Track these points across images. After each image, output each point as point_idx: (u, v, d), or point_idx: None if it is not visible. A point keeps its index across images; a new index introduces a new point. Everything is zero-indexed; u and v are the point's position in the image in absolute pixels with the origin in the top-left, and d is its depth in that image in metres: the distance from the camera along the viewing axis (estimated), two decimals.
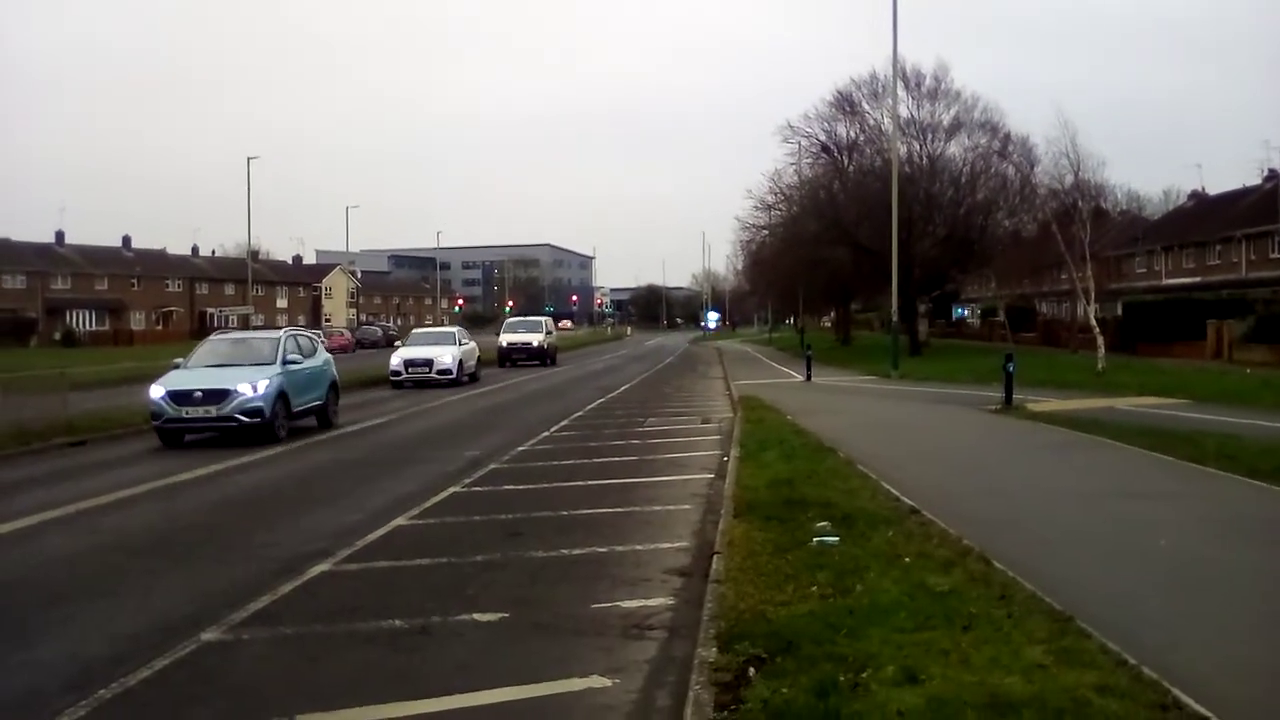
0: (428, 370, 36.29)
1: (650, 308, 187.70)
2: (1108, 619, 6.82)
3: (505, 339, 51.21)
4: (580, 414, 25.24)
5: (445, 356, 36.72)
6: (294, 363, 21.27)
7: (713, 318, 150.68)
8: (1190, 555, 9.22)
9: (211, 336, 24.30)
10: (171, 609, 8.30)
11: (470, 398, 31.32)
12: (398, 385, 35.83)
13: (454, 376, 36.28)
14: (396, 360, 37.12)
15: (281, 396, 20.16)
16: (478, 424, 23.76)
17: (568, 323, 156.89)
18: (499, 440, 19.61)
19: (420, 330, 47.96)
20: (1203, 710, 5.27)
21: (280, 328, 40.53)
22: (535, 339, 50.96)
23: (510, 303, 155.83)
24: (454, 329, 41.89)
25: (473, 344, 40.74)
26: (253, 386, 19.70)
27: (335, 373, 23.99)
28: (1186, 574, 8.57)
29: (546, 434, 20.66)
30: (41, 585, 9.39)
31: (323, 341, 24.34)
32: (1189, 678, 5.71)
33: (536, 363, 50.09)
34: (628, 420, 23.31)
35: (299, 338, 23.43)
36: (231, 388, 19.61)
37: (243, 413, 19.42)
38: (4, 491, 14.76)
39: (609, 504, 12.66)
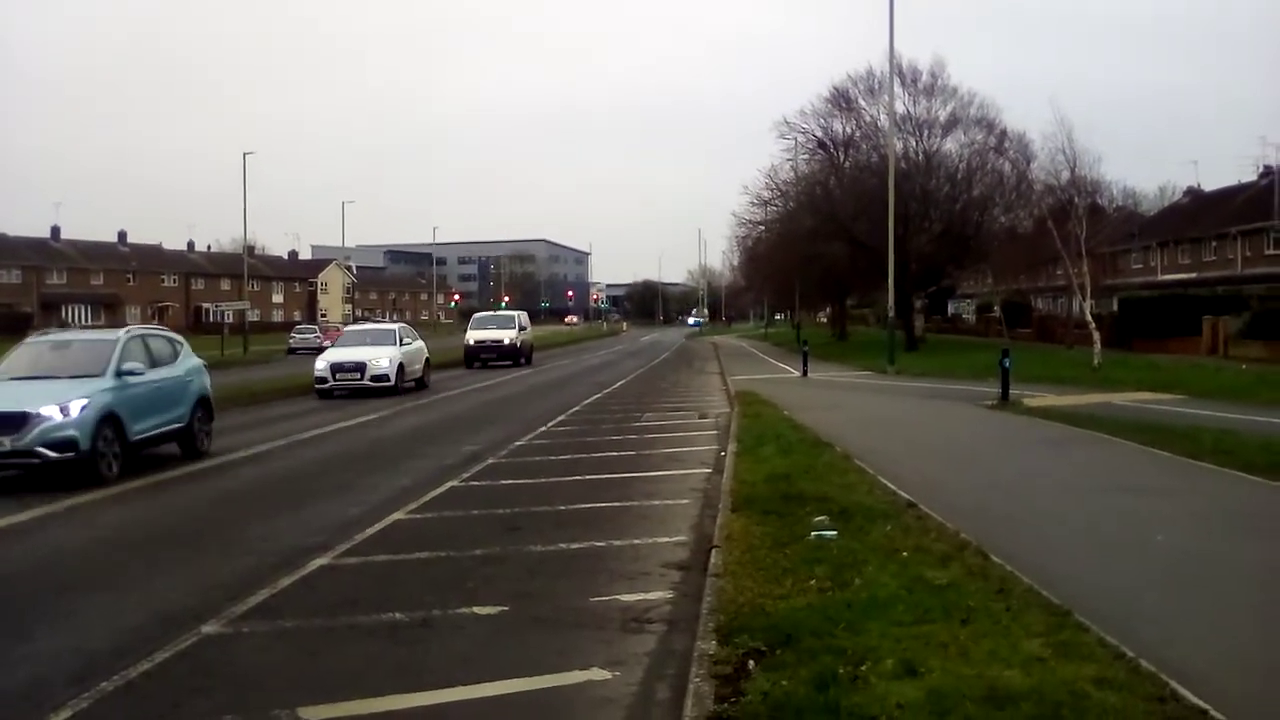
0: (359, 377, 30.52)
1: (646, 303, 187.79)
2: (1105, 612, 6.85)
3: (472, 336, 46.71)
4: (578, 409, 25.26)
5: (381, 360, 30.94)
6: (134, 373, 15.79)
7: (699, 314, 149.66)
8: (1187, 549, 9.26)
9: (28, 339, 18.26)
10: (174, 601, 8.31)
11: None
12: (325, 395, 30.26)
13: (392, 384, 30.59)
14: (322, 364, 31.28)
15: (109, 420, 14.86)
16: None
17: (574, 318, 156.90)
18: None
19: (354, 328, 41.55)
20: (1200, 703, 5.30)
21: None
22: (506, 336, 46.44)
23: (506, 298, 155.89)
24: (396, 326, 36.40)
25: (419, 344, 35.09)
26: (62, 408, 14.29)
27: (208, 385, 18.54)
28: (1183, 568, 8.60)
29: (544, 428, 20.68)
30: (43, 579, 9.43)
31: (182, 344, 18.68)
32: (1187, 671, 5.75)
33: (508, 363, 45.78)
34: (625, 416, 23.31)
35: (149, 339, 17.55)
36: (32, 410, 14.11)
37: (48, 445, 14.00)
38: (1, 487, 14.72)
39: (607, 498, 12.68)
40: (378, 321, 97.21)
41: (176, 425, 17.02)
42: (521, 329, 48.07)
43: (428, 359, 35.01)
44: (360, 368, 30.80)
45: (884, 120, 52.32)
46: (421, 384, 33.39)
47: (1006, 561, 8.19)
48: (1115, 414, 20.06)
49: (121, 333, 17.09)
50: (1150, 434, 16.57)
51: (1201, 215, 64.31)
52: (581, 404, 26.62)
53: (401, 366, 31.55)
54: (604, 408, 25.74)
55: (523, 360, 47.06)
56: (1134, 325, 48.97)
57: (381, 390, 30.27)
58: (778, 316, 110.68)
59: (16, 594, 8.95)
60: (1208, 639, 6.63)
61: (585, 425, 21.49)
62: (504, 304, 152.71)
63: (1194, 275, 59.25)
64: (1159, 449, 15.33)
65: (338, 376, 30.62)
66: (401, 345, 32.70)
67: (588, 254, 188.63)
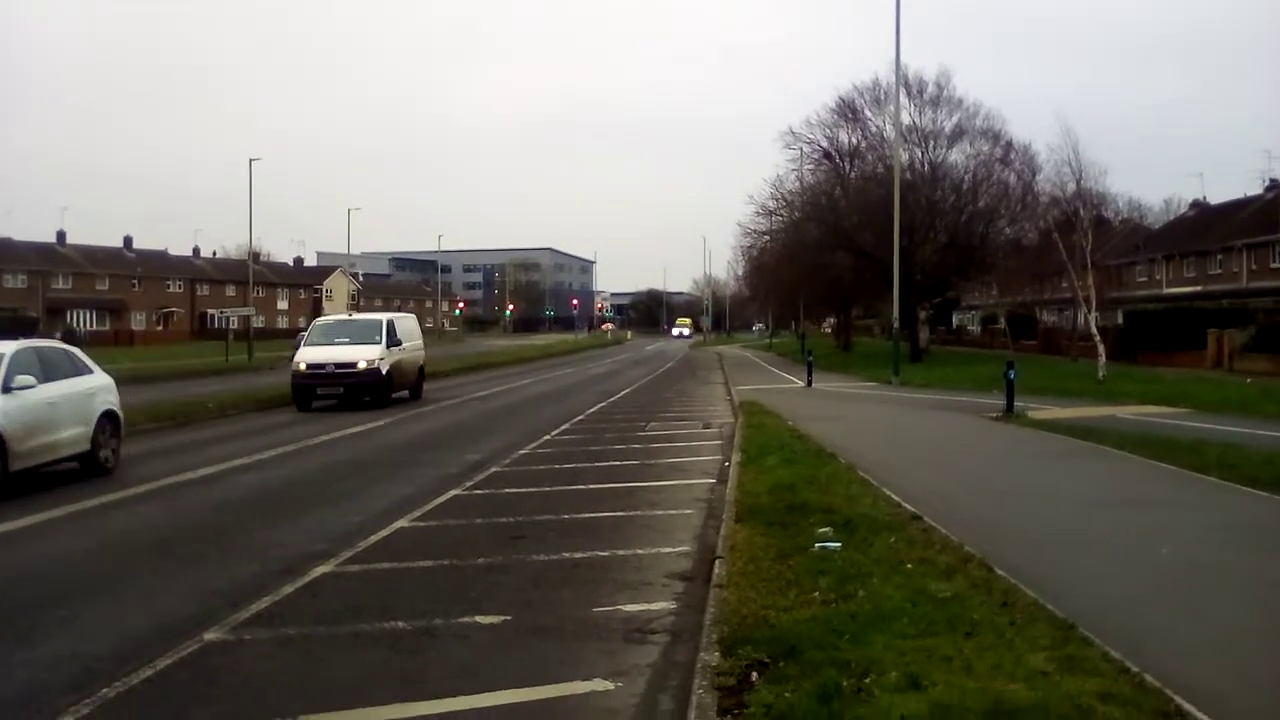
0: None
1: (650, 312, 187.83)
2: (1110, 626, 6.82)
3: (306, 357, 27.99)
4: (581, 418, 25.25)
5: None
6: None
7: (682, 323, 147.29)
8: (1192, 563, 9.22)
9: None
10: (175, 608, 8.30)
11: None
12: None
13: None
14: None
15: None
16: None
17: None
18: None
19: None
20: (1206, 718, 5.27)
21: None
22: (364, 356, 27.57)
23: (511, 306, 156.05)
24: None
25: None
26: None
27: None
28: (1189, 582, 8.57)
29: (548, 437, 20.67)
30: (44, 584, 9.39)
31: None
32: (1192, 686, 5.72)
33: (366, 398, 27.59)
34: (628, 425, 23.30)
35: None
36: None
37: None
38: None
39: (611, 508, 12.67)
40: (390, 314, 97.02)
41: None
42: (394, 344, 29.13)
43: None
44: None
45: (889, 131, 52.42)
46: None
47: (1011, 574, 8.16)
48: (1120, 427, 20.03)
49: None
50: (1155, 447, 16.53)
51: (1207, 228, 64.23)
52: (585, 413, 26.62)
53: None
54: (608, 417, 25.72)
55: (414, 394, 30.91)
56: (1139, 338, 48.93)
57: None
58: (779, 331, 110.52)
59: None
60: (1213, 653, 6.60)
61: (589, 434, 21.47)
62: (510, 312, 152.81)
63: (1199, 288, 59.17)
64: (1164, 462, 15.30)
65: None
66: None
67: (593, 263, 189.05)
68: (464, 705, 6.11)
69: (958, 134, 54.51)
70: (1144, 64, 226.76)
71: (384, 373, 26.39)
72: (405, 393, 29.96)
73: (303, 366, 27.75)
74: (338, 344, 27.18)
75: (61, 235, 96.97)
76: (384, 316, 30.20)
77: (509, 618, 7.87)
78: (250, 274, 79.74)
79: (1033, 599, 7.44)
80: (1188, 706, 5.41)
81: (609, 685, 6.43)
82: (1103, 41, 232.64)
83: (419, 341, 31.59)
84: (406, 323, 31.43)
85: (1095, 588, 8.22)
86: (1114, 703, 5.36)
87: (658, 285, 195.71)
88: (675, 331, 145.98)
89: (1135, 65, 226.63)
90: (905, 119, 51.13)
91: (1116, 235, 63.71)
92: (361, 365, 26.06)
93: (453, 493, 13.90)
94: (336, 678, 6.69)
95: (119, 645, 7.33)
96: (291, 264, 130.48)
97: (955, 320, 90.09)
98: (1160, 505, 12.22)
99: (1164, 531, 10.52)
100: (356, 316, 32.57)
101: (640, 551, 10.22)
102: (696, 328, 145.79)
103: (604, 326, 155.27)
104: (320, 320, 32.41)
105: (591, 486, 14.43)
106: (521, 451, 18.41)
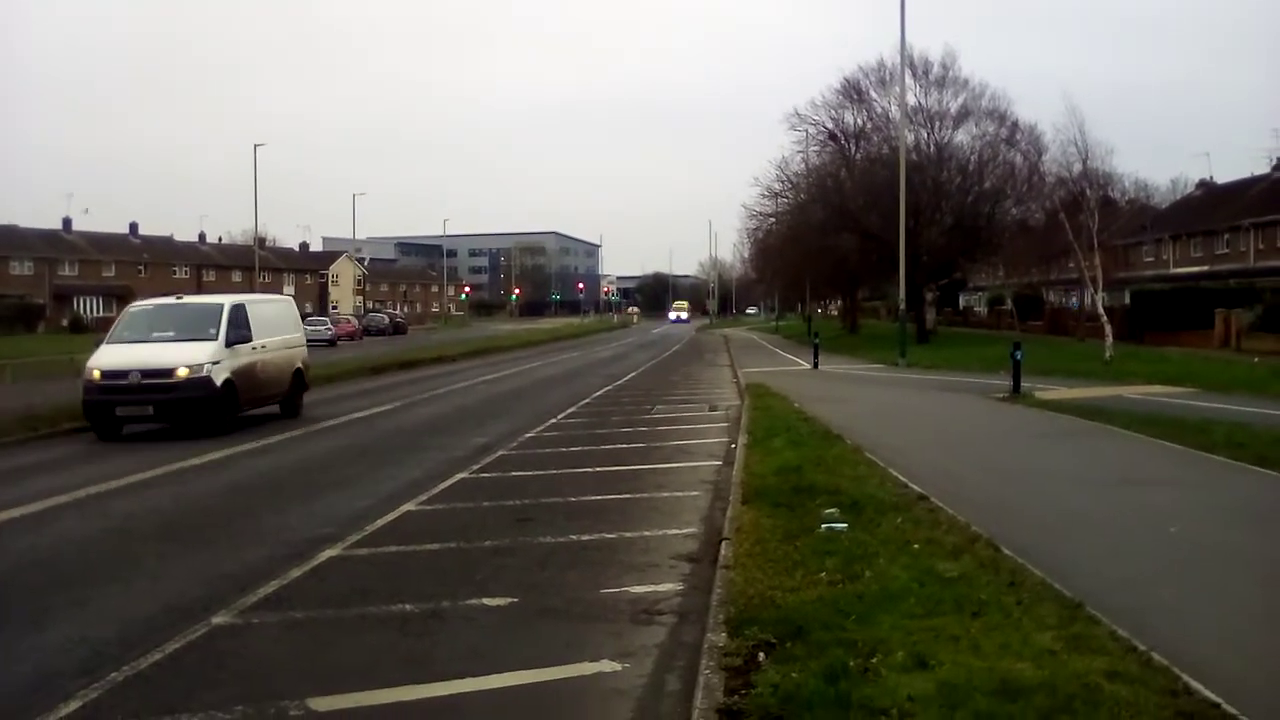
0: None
1: (657, 296, 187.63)
2: (1117, 605, 6.82)
3: (103, 359, 19.05)
4: (587, 401, 25.26)
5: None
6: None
7: (679, 306, 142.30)
8: (1200, 542, 9.22)
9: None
10: (182, 592, 8.32)
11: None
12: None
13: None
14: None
15: None
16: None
17: (634, 309, 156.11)
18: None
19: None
20: (1213, 696, 5.27)
21: None
22: (185, 360, 18.72)
23: (517, 290, 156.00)
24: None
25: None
26: None
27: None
28: (1196, 561, 8.57)
29: (554, 421, 20.68)
30: (52, 569, 9.41)
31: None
32: (1199, 664, 5.72)
33: (190, 420, 18.76)
34: (635, 408, 23.30)
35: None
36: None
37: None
38: (14, 477, 14.79)
39: (617, 490, 12.68)
40: (390, 313, 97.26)
41: None
42: (240, 339, 19.95)
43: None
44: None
45: (895, 112, 52.31)
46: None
47: (1018, 554, 8.16)
48: (1127, 407, 20.00)
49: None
50: (1162, 427, 16.51)
51: (1214, 208, 63.94)
52: (592, 396, 26.62)
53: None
54: (614, 400, 25.72)
55: (276, 409, 21.93)
56: (1146, 318, 48.76)
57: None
58: (784, 312, 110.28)
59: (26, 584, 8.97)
60: (1220, 632, 6.60)
61: (595, 417, 21.47)
62: (515, 296, 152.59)
63: (1206, 268, 58.93)
64: (1171, 442, 15.28)
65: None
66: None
67: (598, 246, 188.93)
68: (472, 687, 6.12)
69: (963, 115, 54.47)
70: (1150, 43, 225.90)
71: (217, 384, 18.39)
72: (274, 407, 21.74)
73: (97, 374, 18.69)
74: (154, 341, 19.16)
75: (68, 222, 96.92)
76: (229, 299, 20.69)
77: (516, 600, 7.88)
78: (256, 259, 79.99)
79: (1040, 578, 7.43)
80: (1195, 684, 5.41)
81: (616, 666, 6.44)
82: (1108, 20, 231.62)
83: (293, 336, 22.88)
84: (268, 309, 22.31)
85: (1102, 567, 8.21)
86: (1121, 681, 5.36)
87: (664, 269, 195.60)
88: (672, 315, 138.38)
89: (1141, 44, 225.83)
90: (911, 100, 50.99)
91: (1123, 215, 63.46)
92: (181, 373, 18.08)
93: (460, 476, 13.91)
94: (344, 660, 6.71)
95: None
96: (297, 249, 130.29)
97: (962, 301, 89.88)
98: (1168, 485, 12.20)
99: (1172, 511, 10.51)
100: (188, 300, 22.39)
101: (647, 533, 10.23)
102: (701, 310, 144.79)
103: (629, 310, 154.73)
104: (135, 306, 22.15)
105: (598, 469, 14.44)
106: (528, 435, 18.42)
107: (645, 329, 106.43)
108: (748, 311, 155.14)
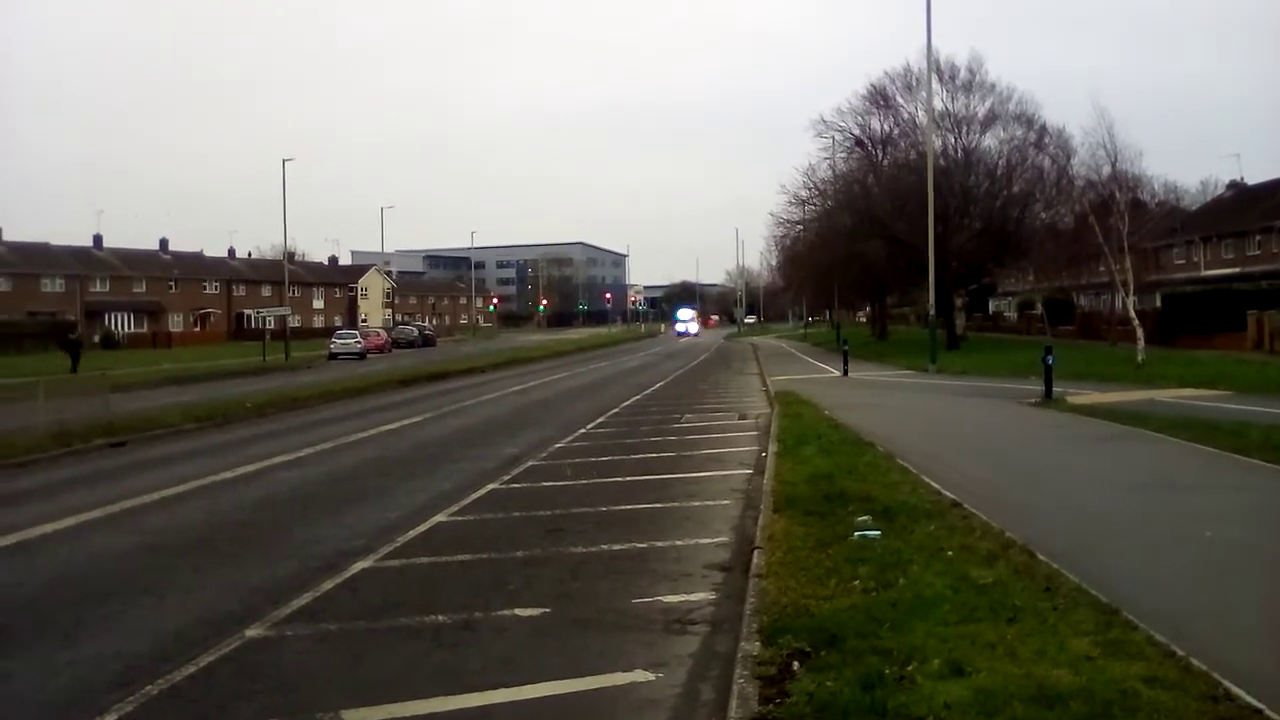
0: None
1: (684, 304, 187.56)
2: (1154, 610, 6.75)
3: None
4: (616, 410, 25.26)
5: None
6: None
7: (685, 316, 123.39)
8: (1236, 546, 9.12)
9: None
10: (216, 605, 8.36)
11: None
12: None
13: None
14: None
15: None
16: None
17: (712, 320, 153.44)
18: None
19: None
20: (1255, 702, 5.20)
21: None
22: None
23: (544, 301, 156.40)
24: None
25: None
26: None
27: None
28: (1233, 565, 8.47)
29: (583, 430, 20.69)
30: (86, 583, 9.47)
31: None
32: (1239, 669, 5.65)
33: None
34: (664, 417, 23.28)
35: None
36: None
37: None
38: (48, 492, 14.91)
39: (648, 500, 12.66)
40: (419, 326, 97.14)
41: None
42: None
43: None
44: None
45: (922, 117, 52.15)
46: None
47: (1052, 559, 8.09)
48: (1160, 410, 19.83)
49: None
50: (1196, 430, 16.35)
51: (1245, 209, 63.39)
52: (620, 406, 26.63)
53: None
54: (643, 409, 25.72)
55: None
56: (1178, 321, 48.35)
57: None
58: (812, 319, 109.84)
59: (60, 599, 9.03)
60: (1260, 637, 6.53)
61: (625, 427, 21.47)
62: (543, 307, 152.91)
63: (1238, 270, 58.39)
64: (1205, 445, 15.13)
65: None
66: None
67: (625, 256, 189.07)
68: (505, 698, 6.12)
69: (991, 119, 54.16)
70: (1179, 44, 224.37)
71: None
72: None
73: None
74: None
75: (98, 239, 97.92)
76: None
77: (548, 610, 7.88)
78: (285, 274, 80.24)
79: (1075, 584, 7.37)
80: (1236, 689, 5.34)
81: (650, 676, 6.42)
82: (1136, 22, 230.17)
83: None
84: None
85: (1139, 571, 8.14)
86: (1160, 686, 5.30)
87: (690, 277, 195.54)
88: (679, 327, 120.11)
89: (1170, 46, 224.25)
90: (938, 105, 50.91)
91: (1153, 218, 62.70)
92: None
93: (490, 487, 13.94)
94: (378, 672, 6.72)
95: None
96: (326, 263, 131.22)
97: (992, 306, 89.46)
98: (1202, 488, 12.08)
99: (1207, 514, 10.40)
100: None
101: (678, 542, 10.22)
102: (728, 318, 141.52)
103: (710, 320, 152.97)
104: None
105: (628, 479, 14.43)
106: (558, 445, 18.43)
107: (673, 338, 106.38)
108: (749, 318, 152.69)
